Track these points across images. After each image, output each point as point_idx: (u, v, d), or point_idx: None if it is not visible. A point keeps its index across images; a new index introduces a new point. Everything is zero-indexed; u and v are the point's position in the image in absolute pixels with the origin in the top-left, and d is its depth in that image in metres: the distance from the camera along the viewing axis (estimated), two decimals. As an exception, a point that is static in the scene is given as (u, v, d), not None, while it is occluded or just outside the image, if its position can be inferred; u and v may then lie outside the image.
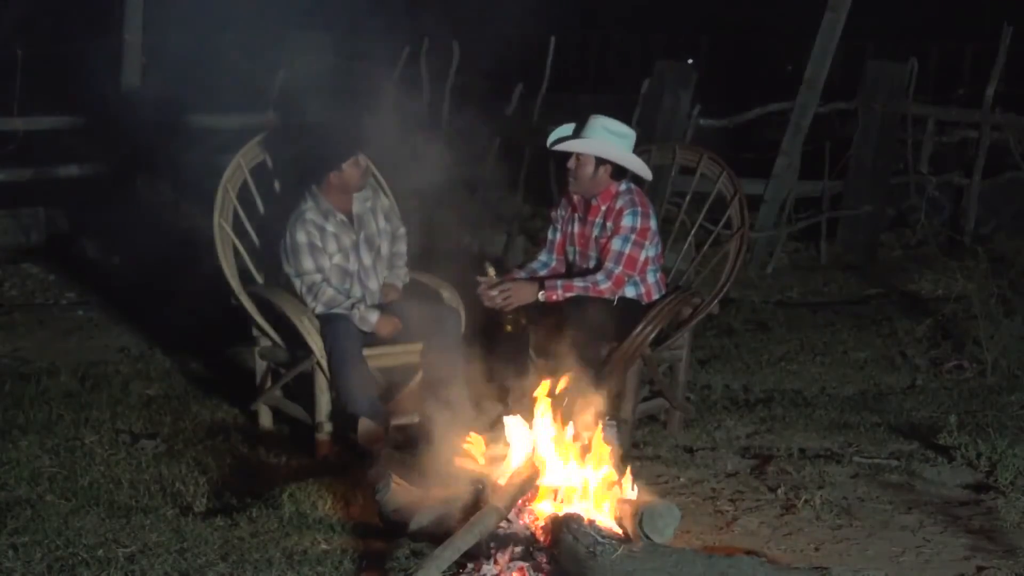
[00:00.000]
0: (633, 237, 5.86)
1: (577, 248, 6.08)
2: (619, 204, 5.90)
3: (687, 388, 6.50)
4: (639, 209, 5.89)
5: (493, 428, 4.98)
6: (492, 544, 4.39)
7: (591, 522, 4.41)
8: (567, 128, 5.97)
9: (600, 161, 5.86)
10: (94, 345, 7.66)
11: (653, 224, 5.95)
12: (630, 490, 4.65)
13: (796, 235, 10.65)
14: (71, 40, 12.25)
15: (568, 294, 5.83)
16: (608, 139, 5.84)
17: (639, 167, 5.94)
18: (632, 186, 5.99)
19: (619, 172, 5.91)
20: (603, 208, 5.94)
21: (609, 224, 5.91)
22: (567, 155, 5.91)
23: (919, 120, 10.97)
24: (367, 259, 6.08)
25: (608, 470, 4.69)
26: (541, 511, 4.57)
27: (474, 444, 4.83)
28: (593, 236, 5.98)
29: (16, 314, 8.30)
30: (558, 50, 10.68)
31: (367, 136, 6.03)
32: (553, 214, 6.23)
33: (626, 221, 5.87)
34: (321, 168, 5.93)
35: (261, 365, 6.24)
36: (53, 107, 10.42)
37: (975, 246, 8.44)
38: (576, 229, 6.07)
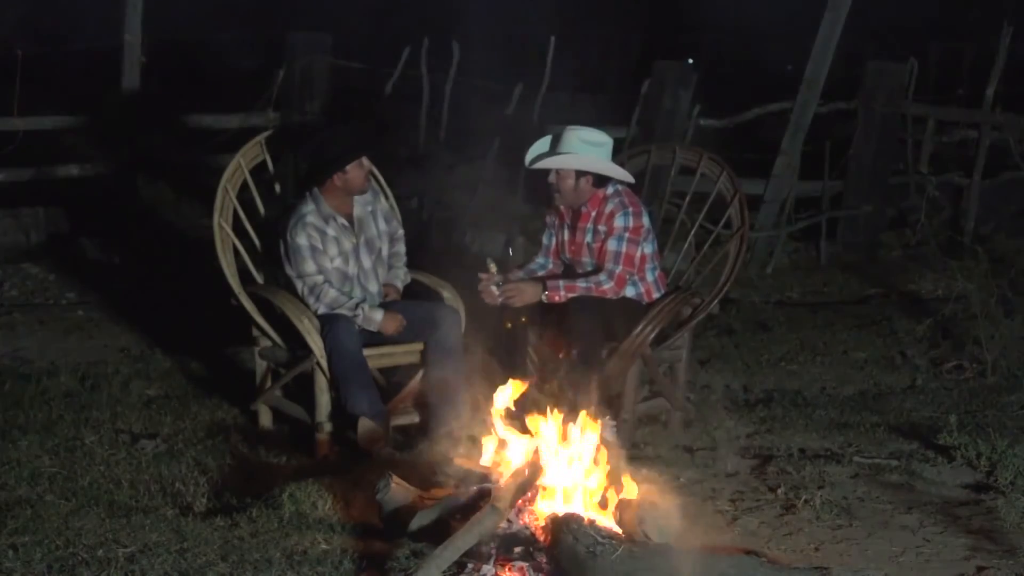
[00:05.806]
0: (627, 235, 5.89)
1: (569, 256, 6.10)
2: (609, 208, 5.93)
3: (687, 388, 6.50)
4: (630, 209, 5.92)
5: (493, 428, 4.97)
6: (492, 544, 4.39)
7: (591, 522, 4.41)
8: (544, 143, 6.03)
9: (580, 172, 5.89)
10: (94, 345, 7.65)
11: (645, 222, 5.98)
12: (630, 490, 4.65)
13: (796, 235, 10.63)
14: (71, 40, 12.25)
15: (571, 294, 5.84)
16: (584, 150, 5.88)
17: (618, 173, 5.98)
18: (620, 188, 6.00)
19: (601, 179, 5.94)
20: (593, 214, 5.97)
21: (602, 228, 5.93)
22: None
23: (919, 120, 10.96)
24: (367, 262, 6.08)
25: (608, 470, 4.69)
26: (541, 511, 4.57)
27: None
28: (585, 242, 6.00)
29: (16, 314, 8.30)
30: (558, 50, 10.67)
31: (370, 138, 6.03)
32: (547, 219, 6.25)
33: (618, 222, 5.90)
34: (324, 170, 5.92)
35: (261, 365, 6.23)
36: (53, 107, 10.42)
37: (975, 246, 8.42)
38: (566, 237, 6.09)
